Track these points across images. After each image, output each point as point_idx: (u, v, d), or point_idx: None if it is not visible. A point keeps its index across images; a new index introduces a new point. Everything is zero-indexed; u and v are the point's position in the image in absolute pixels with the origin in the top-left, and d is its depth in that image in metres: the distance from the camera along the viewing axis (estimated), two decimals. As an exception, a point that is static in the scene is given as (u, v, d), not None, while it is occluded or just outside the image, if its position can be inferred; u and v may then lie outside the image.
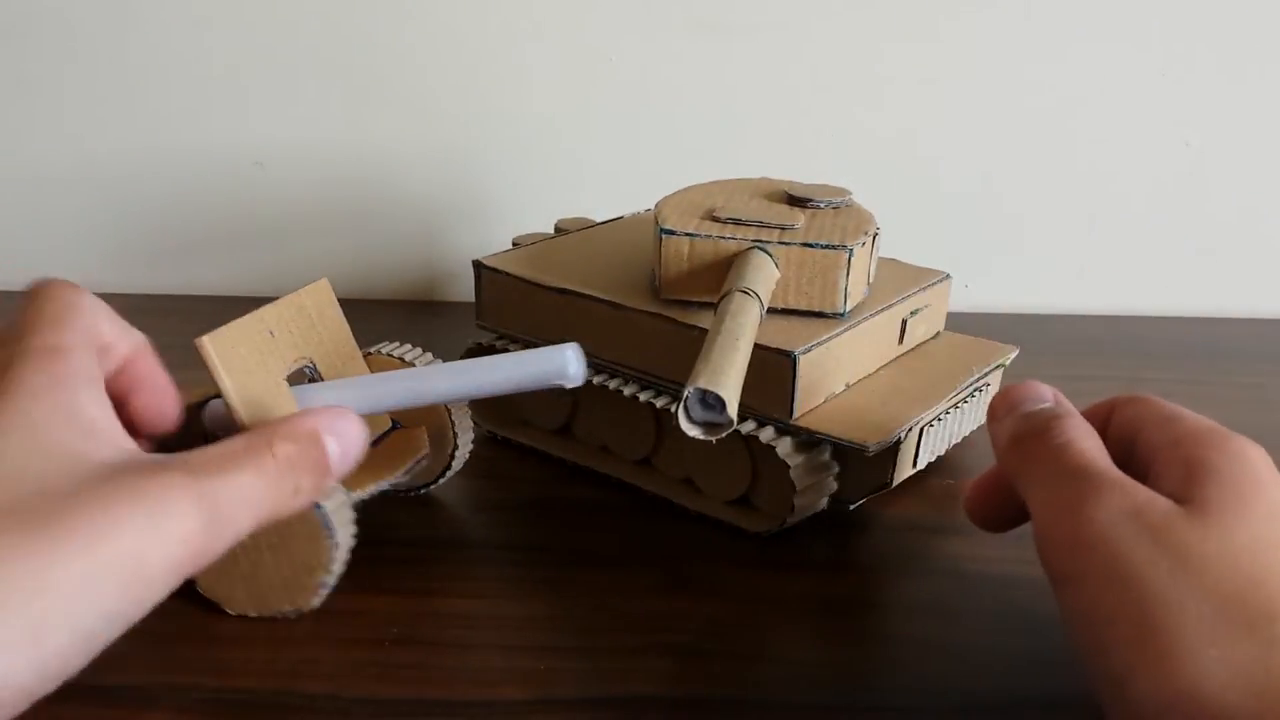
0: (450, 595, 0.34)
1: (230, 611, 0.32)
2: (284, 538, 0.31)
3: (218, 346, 0.31)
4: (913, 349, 0.42)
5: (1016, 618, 0.33)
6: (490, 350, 0.42)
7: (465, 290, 0.43)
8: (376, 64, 0.57)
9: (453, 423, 0.37)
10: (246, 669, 0.30)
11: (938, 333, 0.44)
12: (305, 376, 0.34)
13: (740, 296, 0.34)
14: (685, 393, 0.30)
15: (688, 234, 0.37)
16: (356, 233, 0.60)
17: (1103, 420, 0.31)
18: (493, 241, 0.50)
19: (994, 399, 0.32)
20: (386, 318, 0.56)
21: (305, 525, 0.31)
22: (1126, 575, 0.25)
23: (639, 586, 0.34)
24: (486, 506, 0.39)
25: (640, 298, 0.38)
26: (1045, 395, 0.32)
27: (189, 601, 0.32)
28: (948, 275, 0.43)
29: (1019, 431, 0.30)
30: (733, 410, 0.30)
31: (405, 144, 0.59)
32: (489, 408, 0.43)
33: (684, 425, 0.30)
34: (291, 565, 0.31)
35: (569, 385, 0.31)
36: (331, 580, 0.32)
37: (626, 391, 0.38)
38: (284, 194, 0.59)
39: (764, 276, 0.36)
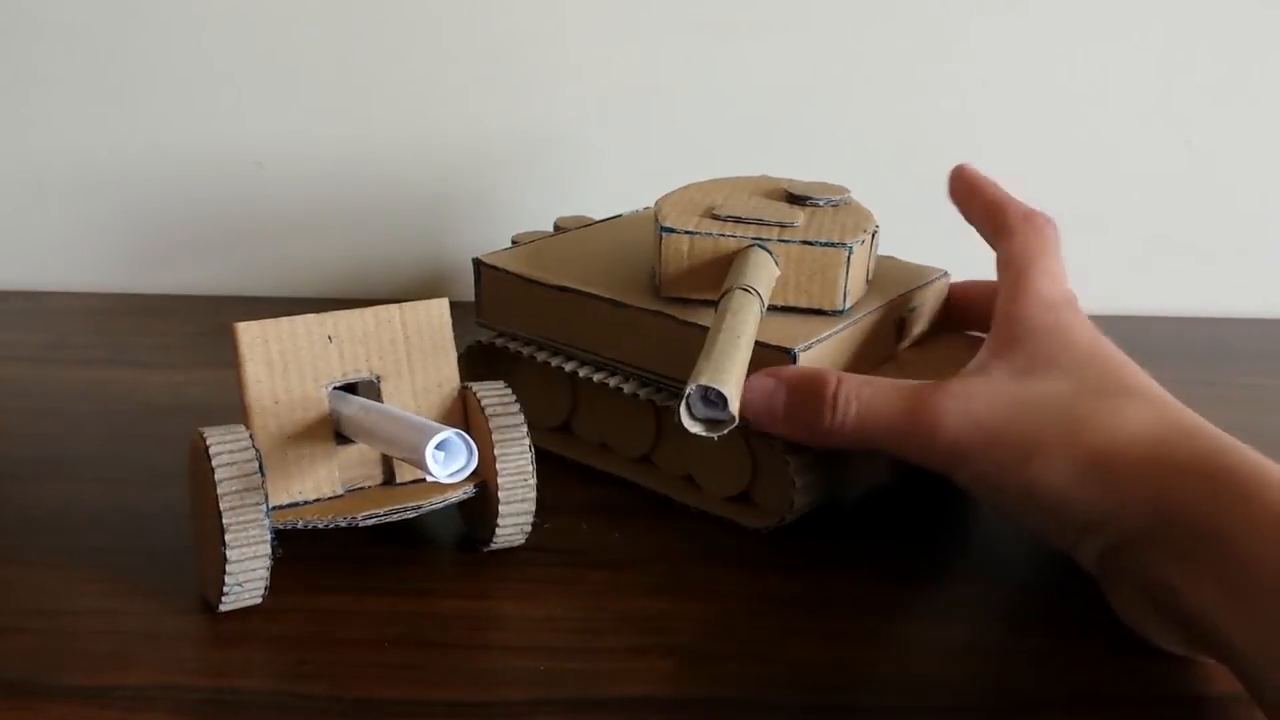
0: (450, 595, 0.34)
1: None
2: (204, 514, 0.31)
3: (245, 337, 0.32)
4: (911, 346, 0.42)
5: (1016, 618, 0.33)
6: (490, 349, 0.42)
7: (465, 289, 0.43)
8: (376, 63, 0.57)
9: (499, 498, 0.34)
10: (246, 669, 0.30)
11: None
12: (374, 388, 0.34)
13: (741, 294, 0.34)
14: (687, 390, 0.30)
15: (688, 232, 0.37)
16: (357, 232, 0.60)
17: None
18: (493, 240, 0.50)
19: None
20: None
21: (213, 511, 0.31)
22: (984, 443, 0.31)
23: (639, 586, 0.34)
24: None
25: (641, 295, 0.38)
26: (769, 384, 0.34)
27: (189, 601, 0.32)
28: (946, 273, 0.43)
29: (808, 427, 0.34)
30: (735, 407, 0.30)
31: (405, 143, 0.59)
32: None
33: (686, 422, 0.30)
34: (207, 559, 0.32)
35: (430, 477, 0.30)
36: (236, 590, 0.31)
37: (626, 389, 0.38)
38: (284, 194, 0.59)
39: (764, 274, 0.36)
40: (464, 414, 0.35)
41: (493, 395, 0.34)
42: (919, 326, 0.42)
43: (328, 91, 0.58)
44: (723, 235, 0.37)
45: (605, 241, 0.44)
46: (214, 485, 0.30)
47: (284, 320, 0.33)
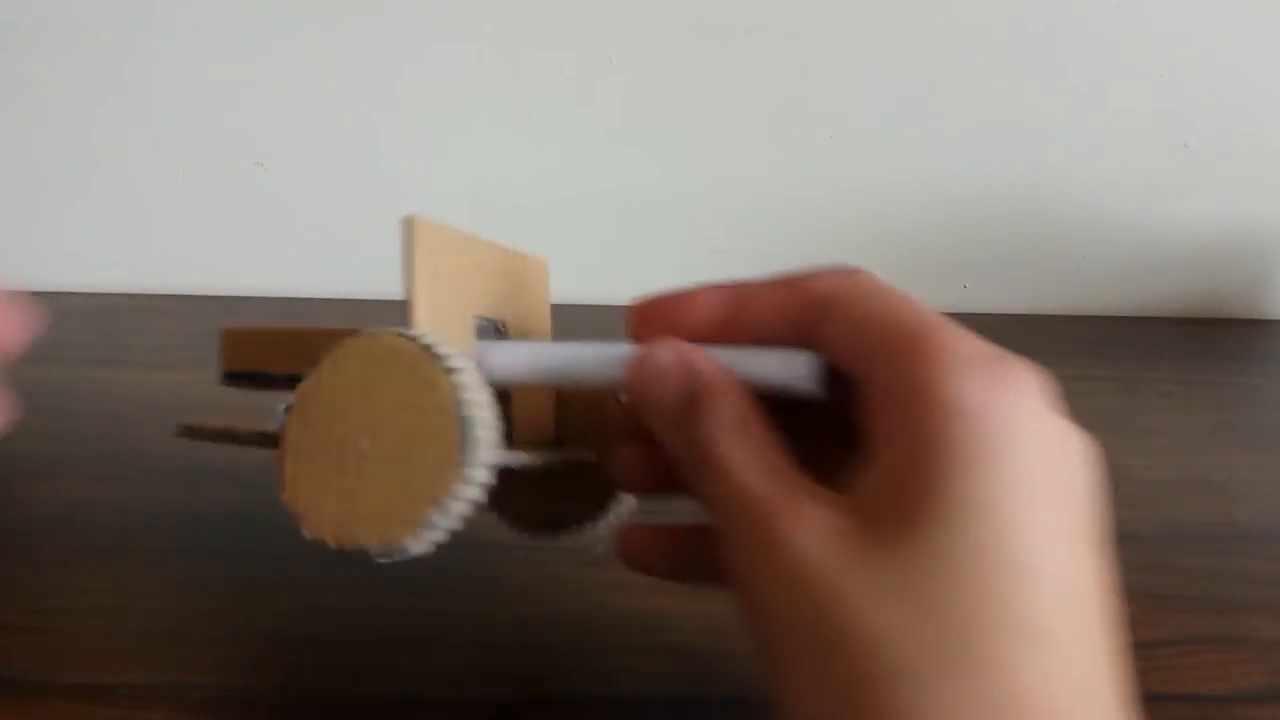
0: (450, 595, 0.34)
1: (305, 533, 0.25)
2: (406, 437, 0.24)
3: (423, 235, 0.26)
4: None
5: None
6: None
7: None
8: (375, 62, 0.57)
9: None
10: (247, 668, 0.30)
11: None
12: (493, 330, 0.29)
13: None
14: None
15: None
16: (359, 232, 0.60)
17: (801, 326, 0.24)
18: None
19: (629, 382, 0.25)
20: (395, 318, 0.56)
21: (434, 423, 0.24)
22: (806, 626, 0.20)
23: (639, 586, 0.34)
24: (485, 506, 0.39)
25: None
26: (669, 365, 0.24)
27: (189, 600, 0.32)
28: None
29: (677, 450, 0.24)
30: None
31: (406, 142, 0.59)
32: None
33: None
34: (402, 482, 0.24)
35: (805, 392, 0.25)
36: (442, 521, 0.24)
37: None
38: (285, 194, 0.59)
39: None
40: None
41: None
42: None
43: (331, 91, 0.58)
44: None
45: None
46: (451, 407, 0.24)
47: (453, 230, 0.28)
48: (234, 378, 0.30)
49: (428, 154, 0.59)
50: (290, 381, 0.27)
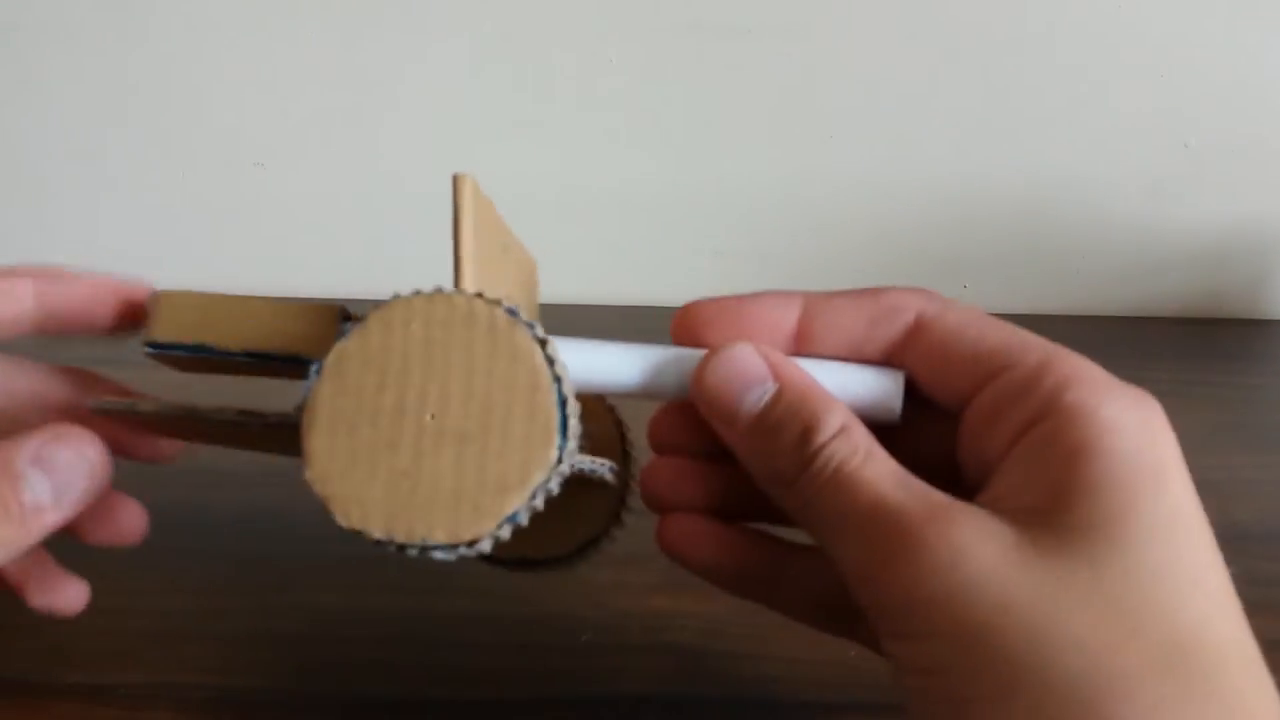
0: (450, 595, 0.34)
1: (341, 521, 0.21)
2: (483, 411, 0.21)
3: (472, 197, 0.24)
4: None
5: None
6: None
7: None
8: (375, 62, 0.57)
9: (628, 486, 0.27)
10: (247, 668, 0.30)
11: None
12: None
13: None
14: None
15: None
16: (359, 232, 0.60)
17: (887, 347, 0.23)
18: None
19: (696, 385, 0.23)
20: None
21: (521, 398, 0.21)
22: (974, 634, 0.19)
23: (639, 586, 0.34)
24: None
25: None
26: (760, 372, 0.22)
27: (189, 600, 0.32)
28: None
29: (770, 463, 0.22)
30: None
31: (406, 142, 0.59)
32: None
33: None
34: (478, 464, 0.21)
35: (889, 413, 0.23)
36: (523, 516, 0.21)
37: None
38: (285, 194, 0.59)
39: None
40: None
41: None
42: None
43: (330, 91, 0.58)
44: None
45: None
46: (545, 382, 0.21)
47: (491, 203, 0.25)
48: (161, 348, 0.27)
49: (428, 154, 0.59)
50: (248, 359, 0.25)
